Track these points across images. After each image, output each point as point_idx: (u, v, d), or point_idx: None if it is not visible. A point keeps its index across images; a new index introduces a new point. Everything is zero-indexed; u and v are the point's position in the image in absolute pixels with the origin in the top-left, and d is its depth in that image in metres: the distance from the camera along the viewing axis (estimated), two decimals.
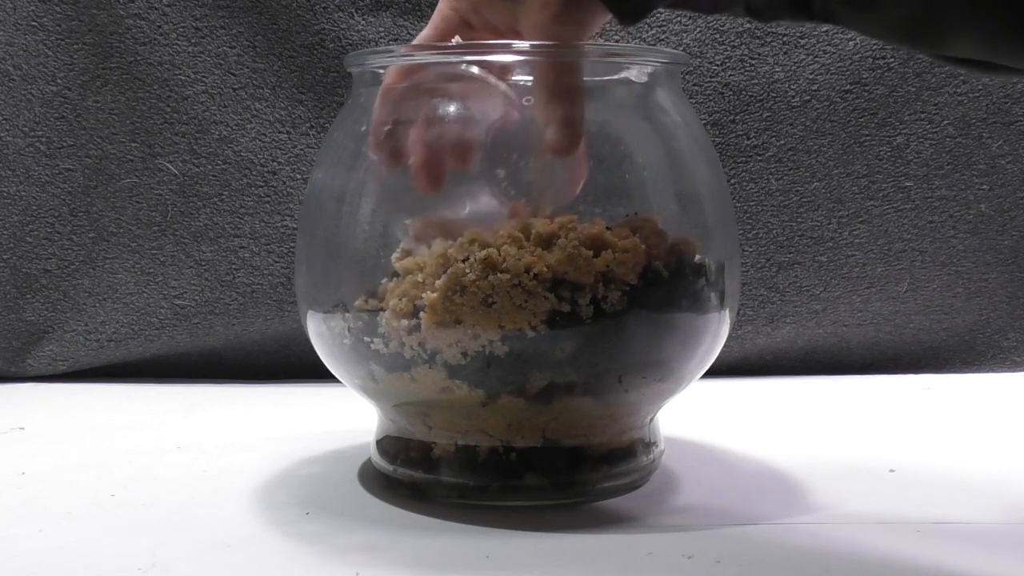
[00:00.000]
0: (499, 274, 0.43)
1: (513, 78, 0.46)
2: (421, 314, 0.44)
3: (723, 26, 0.75)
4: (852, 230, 0.77)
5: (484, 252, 0.43)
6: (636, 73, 0.48)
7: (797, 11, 0.40)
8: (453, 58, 0.45)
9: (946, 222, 0.77)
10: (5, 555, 0.42)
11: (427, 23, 0.48)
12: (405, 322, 0.44)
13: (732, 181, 0.76)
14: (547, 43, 0.45)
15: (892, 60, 0.75)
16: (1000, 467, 0.54)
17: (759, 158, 0.76)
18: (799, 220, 0.77)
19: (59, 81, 0.75)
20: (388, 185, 0.48)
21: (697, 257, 0.47)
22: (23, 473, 0.53)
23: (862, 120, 0.76)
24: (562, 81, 0.44)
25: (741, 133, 0.76)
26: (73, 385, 0.76)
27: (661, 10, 0.74)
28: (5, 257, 0.76)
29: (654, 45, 0.74)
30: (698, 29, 0.75)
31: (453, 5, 0.47)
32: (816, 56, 0.75)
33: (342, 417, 0.64)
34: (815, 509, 0.47)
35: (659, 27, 0.75)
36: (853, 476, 0.52)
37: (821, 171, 0.76)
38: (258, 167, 0.75)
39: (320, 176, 0.50)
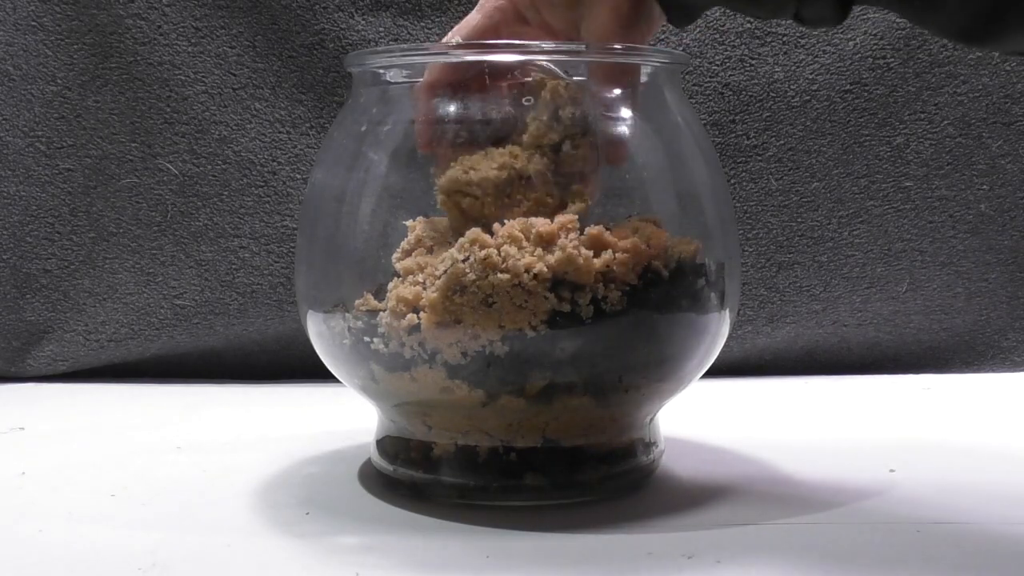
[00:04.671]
0: (499, 274, 0.43)
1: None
2: (421, 314, 0.44)
3: (723, 26, 0.75)
4: (852, 230, 0.77)
5: (484, 252, 0.43)
6: None
7: (844, 18, 0.40)
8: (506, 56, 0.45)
9: (946, 222, 0.77)
10: (5, 555, 0.42)
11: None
12: (405, 322, 0.44)
13: (732, 181, 0.76)
14: (553, 44, 0.45)
15: (892, 60, 0.75)
16: (1000, 467, 0.54)
17: (759, 158, 0.76)
18: (799, 220, 0.77)
19: (59, 81, 0.75)
20: (387, 184, 0.48)
21: (697, 257, 0.47)
22: (23, 473, 0.53)
23: (862, 120, 0.76)
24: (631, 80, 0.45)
25: (741, 133, 0.76)
26: (73, 385, 0.76)
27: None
28: (5, 257, 0.76)
29: (654, 45, 0.74)
30: (698, 29, 0.75)
31: None
32: (816, 56, 0.75)
33: (342, 417, 0.64)
34: (815, 509, 0.47)
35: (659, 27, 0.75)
36: (853, 476, 0.52)
37: (821, 171, 0.76)
38: (258, 167, 0.75)
39: (320, 176, 0.50)
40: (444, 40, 0.48)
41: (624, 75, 0.46)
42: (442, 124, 0.46)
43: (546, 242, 0.44)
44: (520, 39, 0.47)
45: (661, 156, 0.48)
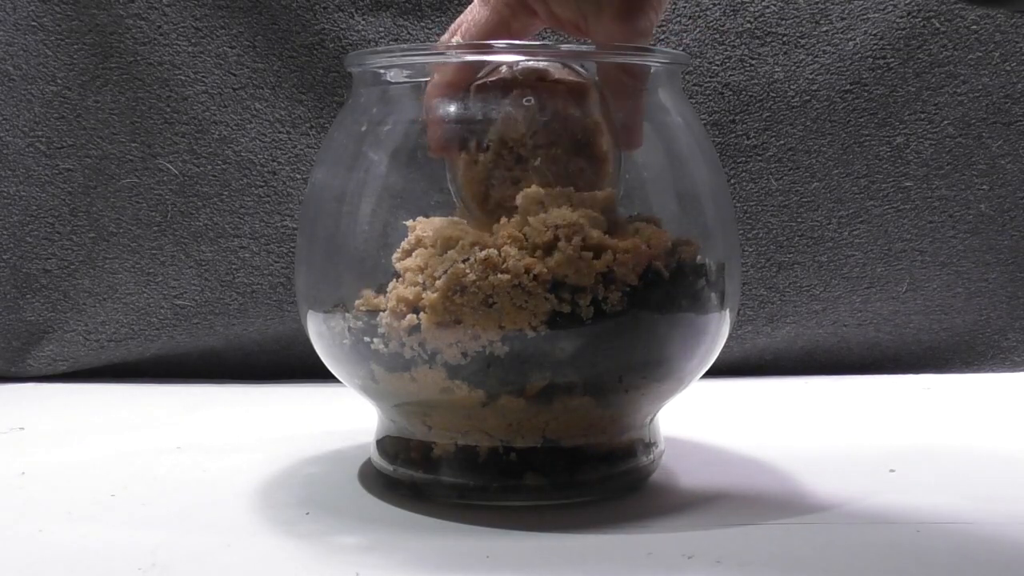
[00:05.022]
0: (499, 275, 0.43)
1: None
2: (421, 314, 0.44)
3: (723, 26, 0.75)
4: (852, 230, 0.77)
5: (484, 253, 0.43)
6: None
7: None
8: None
9: (946, 222, 0.77)
10: (5, 555, 0.42)
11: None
12: (405, 322, 0.44)
13: (732, 181, 0.76)
14: (552, 44, 0.45)
15: (892, 60, 0.75)
16: (1000, 467, 0.54)
17: (759, 158, 0.76)
18: (799, 220, 0.77)
19: (59, 81, 0.75)
20: (387, 184, 0.48)
21: (698, 257, 0.47)
22: (23, 473, 0.53)
23: (862, 120, 0.76)
24: (638, 84, 0.45)
25: (741, 133, 0.76)
26: (73, 385, 0.76)
27: None
28: (5, 257, 0.76)
29: (654, 45, 0.74)
30: (698, 29, 0.75)
31: None
32: (816, 56, 0.75)
33: (342, 417, 0.64)
34: (815, 509, 0.47)
35: (659, 27, 0.75)
36: (853, 476, 0.52)
37: (821, 171, 0.76)
38: (258, 167, 0.75)
39: (320, 176, 0.50)
40: (445, 35, 0.48)
41: (635, 78, 0.46)
42: (454, 126, 0.46)
43: (547, 243, 0.44)
44: (529, 33, 0.47)
45: (661, 156, 0.49)
